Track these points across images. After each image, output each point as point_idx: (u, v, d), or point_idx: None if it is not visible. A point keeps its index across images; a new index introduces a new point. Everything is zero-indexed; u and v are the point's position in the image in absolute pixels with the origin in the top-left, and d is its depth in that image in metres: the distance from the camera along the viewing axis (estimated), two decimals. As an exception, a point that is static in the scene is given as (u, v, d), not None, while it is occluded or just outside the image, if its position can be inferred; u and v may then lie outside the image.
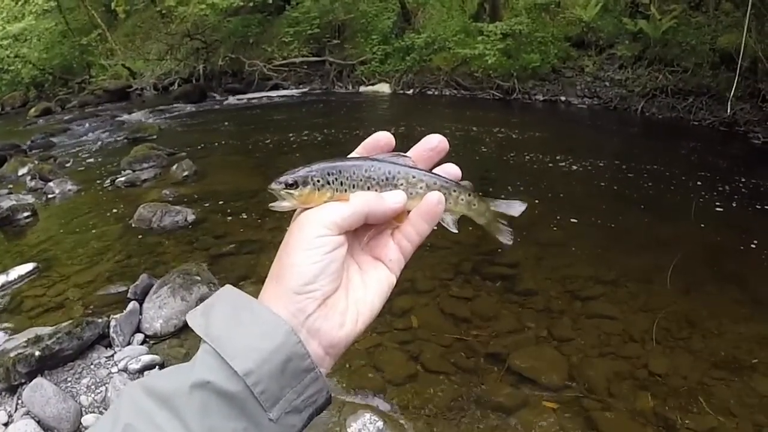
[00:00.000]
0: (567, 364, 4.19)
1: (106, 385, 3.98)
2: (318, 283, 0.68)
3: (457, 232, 0.83)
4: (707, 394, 3.83)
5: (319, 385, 0.67)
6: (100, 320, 4.47)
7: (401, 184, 0.76)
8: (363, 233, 0.77)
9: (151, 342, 4.54)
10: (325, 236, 0.69)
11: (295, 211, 0.76)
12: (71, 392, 3.93)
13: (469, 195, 0.81)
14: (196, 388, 0.62)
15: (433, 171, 0.81)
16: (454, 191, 0.80)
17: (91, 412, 3.81)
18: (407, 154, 0.80)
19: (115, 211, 7.34)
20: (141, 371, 4.10)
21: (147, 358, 4.20)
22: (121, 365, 4.18)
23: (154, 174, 9.26)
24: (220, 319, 0.67)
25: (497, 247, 5.66)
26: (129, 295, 4.89)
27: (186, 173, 8.94)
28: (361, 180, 0.75)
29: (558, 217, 6.47)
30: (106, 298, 5.12)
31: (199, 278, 4.84)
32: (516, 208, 0.86)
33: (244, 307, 0.67)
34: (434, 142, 0.79)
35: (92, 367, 4.19)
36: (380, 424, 3.72)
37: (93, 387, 4.01)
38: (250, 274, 5.42)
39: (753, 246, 5.49)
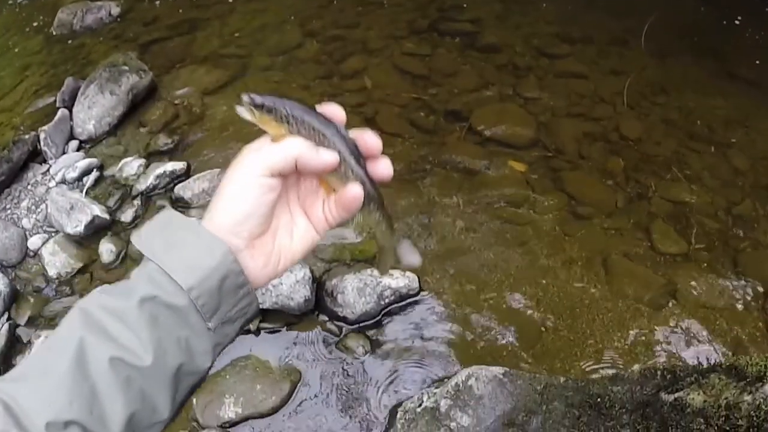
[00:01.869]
0: (534, 122, 3.63)
1: (46, 202, 3.52)
2: (247, 225, 0.70)
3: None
4: (681, 163, 3.43)
5: (251, 298, 0.72)
6: (27, 136, 3.91)
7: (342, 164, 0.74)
8: (303, 184, 0.79)
9: (88, 146, 3.94)
10: (260, 177, 0.69)
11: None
12: (12, 218, 3.56)
13: (382, 216, 0.81)
14: (145, 302, 0.65)
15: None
16: (374, 205, 0.78)
17: (35, 233, 3.44)
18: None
19: (34, 24, 6.19)
20: (79, 178, 3.64)
21: (83, 164, 3.66)
22: (58, 178, 3.70)
23: (67, -26, 7.72)
24: (165, 240, 0.69)
25: (457, 3, 4.84)
26: (58, 104, 4.19)
27: (103, -36, 7.52)
28: (316, 138, 0.73)
29: (524, -28, 5.49)
30: (35, 115, 4.36)
31: (126, 68, 4.12)
32: (411, 259, 0.91)
33: (186, 228, 0.70)
34: (371, 143, 0.75)
35: (29, 187, 3.74)
36: (332, 190, 3.14)
37: (33, 208, 3.59)
38: (185, 56, 4.59)
39: (736, 23, 4.78)
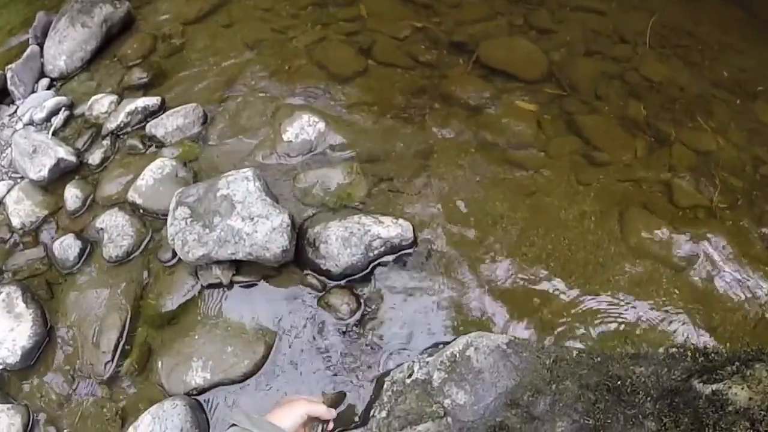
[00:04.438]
0: (546, 59, 3.10)
1: (11, 146, 3.07)
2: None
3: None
4: (706, 113, 2.90)
5: None
6: (-9, 77, 3.46)
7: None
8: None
9: (59, 84, 3.46)
10: (302, 415, 1.35)
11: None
12: (-23, 165, 3.21)
13: None
14: None
15: None
16: None
17: (0, 180, 3.06)
18: None
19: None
20: (47, 118, 3.17)
21: (52, 103, 3.19)
22: (25, 119, 3.26)
23: None
24: (257, 426, 1.23)
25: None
26: (30, 41, 3.71)
27: None
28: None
29: None
30: (8, 54, 3.86)
31: (100, -4, 3.60)
32: None
33: (264, 422, 1.26)
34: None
35: (-5, 130, 3.31)
36: (322, 125, 2.70)
37: (-1, 153, 3.23)
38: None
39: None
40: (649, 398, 1.64)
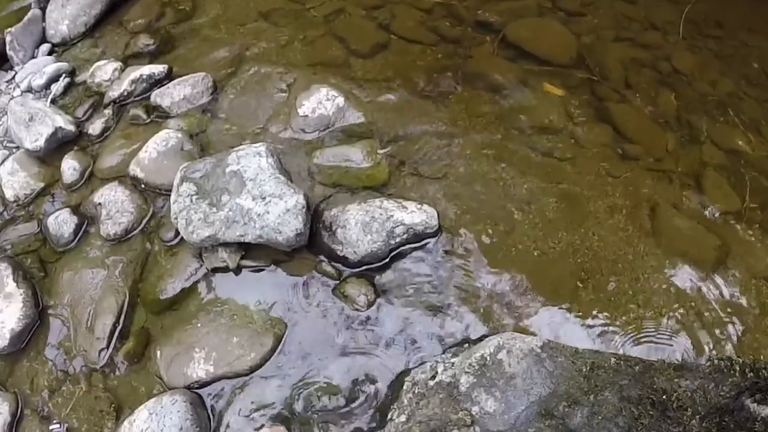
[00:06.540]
0: (576, 42, 2.89)
1: (6, 114, 2.83)
2: None
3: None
4: (737, 108, 2.70)
5: None
6: (-10, 40, 3.20)
7: None
8: None
9: (61, 50, 3.21)
10: None
11: None
12: (-29, 133, 2.92)
13: None
14: None
15: None
16: None
17: None
18: None
19: None
20: (47, 86, 2.92)
21: (52, 69, 2.95)
22: (24, 86, 3.01)
23: None
24: None
25: None
26: (32, 5, 3.42)
27: None
28: None
29: None
30: (9, 18, 3.55)
31: (108, -45, 3.33)
32: None
33: None
34: None
35: (-9, 97, 3.05)
36: (341, 100, 2.49)
37: (-5, 121, 2.97)
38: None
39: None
40: (696, 416, 1.46)
